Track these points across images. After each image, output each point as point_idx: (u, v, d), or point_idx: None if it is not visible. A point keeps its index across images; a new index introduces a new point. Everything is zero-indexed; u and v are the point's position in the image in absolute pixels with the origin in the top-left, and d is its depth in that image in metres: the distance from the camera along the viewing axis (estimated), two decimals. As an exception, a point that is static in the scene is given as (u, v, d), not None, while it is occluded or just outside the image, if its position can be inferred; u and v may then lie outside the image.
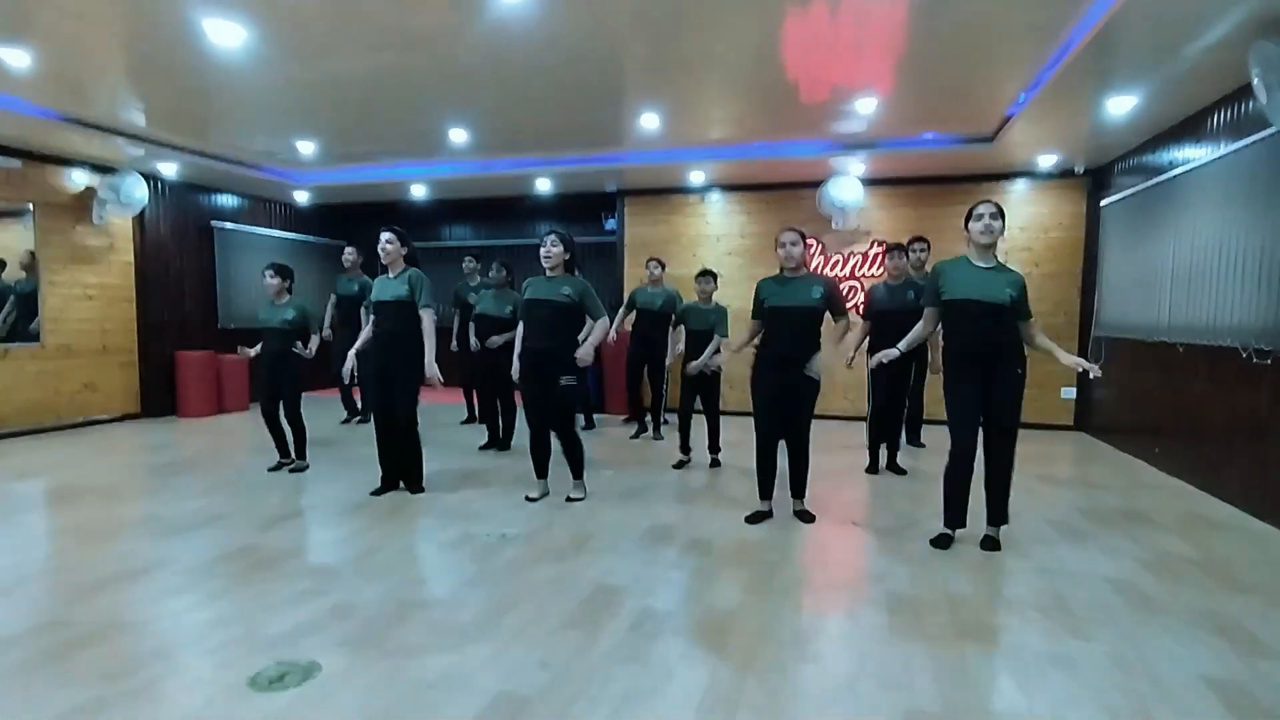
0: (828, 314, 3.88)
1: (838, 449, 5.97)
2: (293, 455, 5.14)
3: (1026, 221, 7.12)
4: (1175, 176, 5.09)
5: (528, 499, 4.38)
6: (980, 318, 3.34)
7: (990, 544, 3.51)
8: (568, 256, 4.14)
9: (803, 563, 3.36)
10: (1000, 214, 3.36)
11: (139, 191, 7.00)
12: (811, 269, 7.67)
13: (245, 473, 5.12)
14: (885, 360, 3.70)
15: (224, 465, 5.38)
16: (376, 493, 4.49)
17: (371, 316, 4.52)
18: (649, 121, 5.78)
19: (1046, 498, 4.51)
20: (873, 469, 5.19)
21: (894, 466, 5.22)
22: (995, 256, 3.45)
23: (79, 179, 6.82)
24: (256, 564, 3.29)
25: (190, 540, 3.63)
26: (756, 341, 4.01)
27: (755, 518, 3.97)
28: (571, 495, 4.34)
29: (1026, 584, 3.09)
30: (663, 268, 6.50)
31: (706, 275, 5.49)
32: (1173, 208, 5.13)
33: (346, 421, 7.22)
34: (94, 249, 7.04)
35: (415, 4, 3.64)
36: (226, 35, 3.97)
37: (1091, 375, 3.32)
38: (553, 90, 5.03)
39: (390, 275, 4.36)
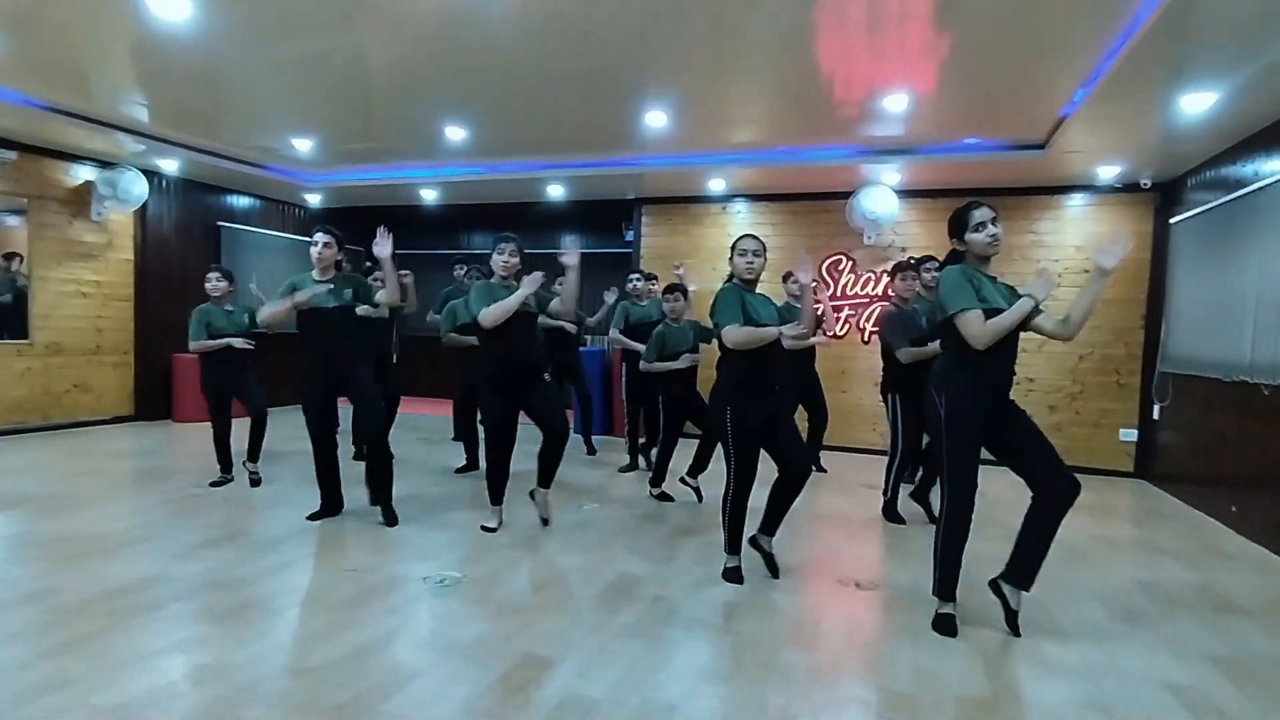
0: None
1: (859, 488, 5.33)
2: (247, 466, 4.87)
3: (1084, 240, 6.35)
4: (1261, 189, 4.35)
5: (484, 529, 3.94)
6: (1010, 338, 2.75)
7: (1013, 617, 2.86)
8: (520, 267, 3.86)
9: (782, 638, 2.75)
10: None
11: (137, 188, 6.81)
12: (841, 287, 7.07)
13: (206, 485, 4.74)
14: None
15: (188, 476, 5.00)
16: (314, 517, 4.08)
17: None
18: (665, 121, 5.28)
19: (1099, 564, 3.79)
20: (894, 517, 4.50)
21: (927, 508, 4.51)
22: None
23: (76, 173, 6.65)
24: (144, 604, 2.84)
25: (93, 567, 3.22)
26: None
27: (734, 575, 3.33)
28: (542, 514, 4.04)
29: (1064, 687, 2.42)
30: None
31: (675, 291, 4.92)
32: (1257, 226, 4.38)
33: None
34: (91, 245, 6.85)
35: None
36: (178, 10, 3.62)
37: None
38: (560, 84, 4.59)
39: (316, 277, 3.92)
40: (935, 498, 3.89)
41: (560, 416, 3.89)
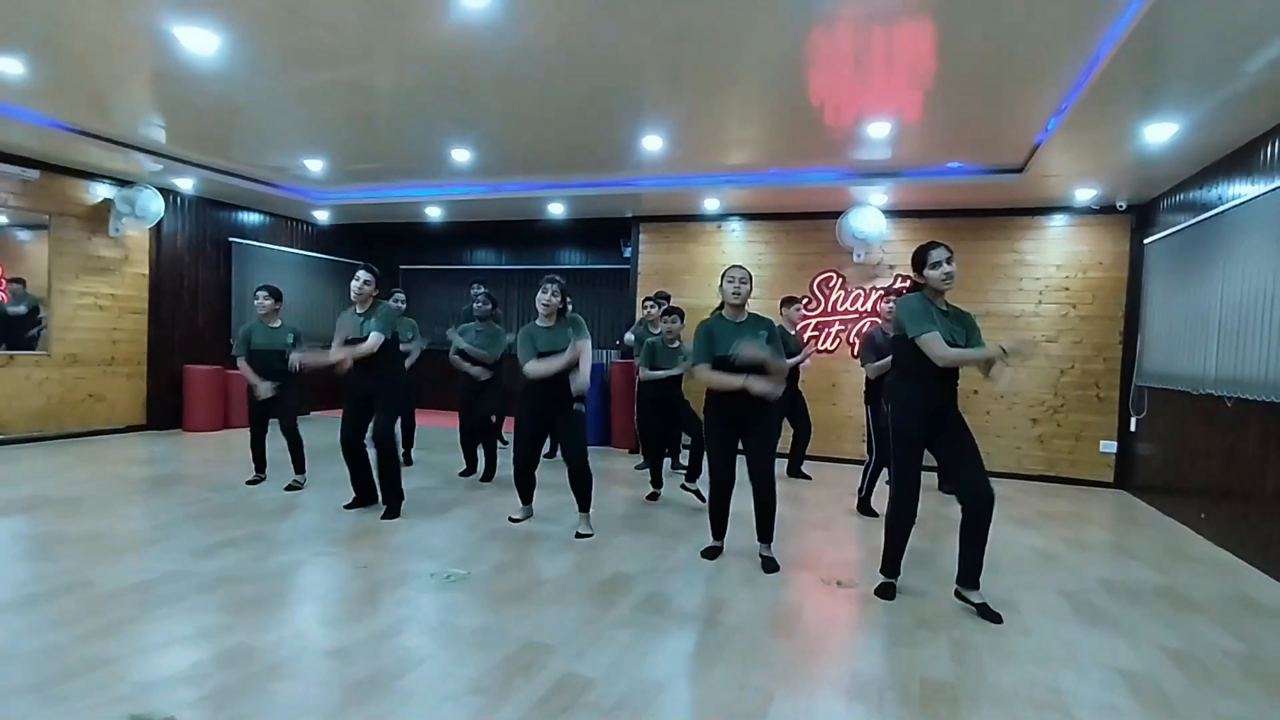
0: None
1: (845, 496, 5.53)
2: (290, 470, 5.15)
3: (1064, 260, 6.61)
4: (1225, 212, 4.60)
5: (511, 520, 4.39)
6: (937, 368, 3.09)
7: (986, 612, 3.12)
8: (562, 306, 4.10)
9: (765, 629, 2.95)
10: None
11: (154, 205, 7.07)
12: (832, 303, 7.32)
13: (220, 490, 4.95)
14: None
15: (205, 482, 5.22)
16: (349, 506, 4.58)
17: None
18: (663, 144, 5.55)
19: (1068, 564, 4.00)
20: (868, 511, 4.92)
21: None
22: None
23: (95, 191, 6.91)
24: (170, 595, 3.05)
25: (119, 563, 3.43)
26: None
27: (711, 553, 3.86)
28: (580, 531, 4.19)
29: (1021, 672, 2.63)
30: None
31: (674, 314, 5.21)
32: (1222, 247, 4.62)
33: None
34: (108, 260, 7.10)
35: (413, 14, 3.53)
36: (208, 43, 3.89)
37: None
38: (561, 109, 4.86)
39: (358, 311, 4.41)
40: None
41: (577, 448, 4.14)
